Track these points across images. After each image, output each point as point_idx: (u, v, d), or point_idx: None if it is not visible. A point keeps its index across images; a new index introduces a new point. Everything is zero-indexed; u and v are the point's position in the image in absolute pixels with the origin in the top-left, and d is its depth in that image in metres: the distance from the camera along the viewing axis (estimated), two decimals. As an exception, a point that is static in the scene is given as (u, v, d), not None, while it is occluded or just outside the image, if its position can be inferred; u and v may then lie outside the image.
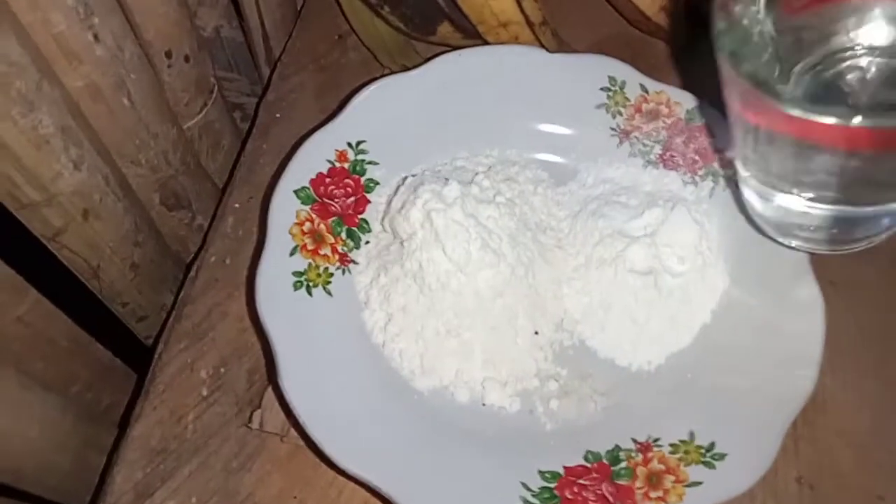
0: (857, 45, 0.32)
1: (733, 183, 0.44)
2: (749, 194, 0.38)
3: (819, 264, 0.45)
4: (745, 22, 0.31)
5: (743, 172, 0.38)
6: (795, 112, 0.28)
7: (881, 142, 0.28)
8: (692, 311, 0.41)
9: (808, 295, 0.39)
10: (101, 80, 0.38)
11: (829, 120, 0.27)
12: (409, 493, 0.34)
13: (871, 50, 0.32)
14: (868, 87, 0.33)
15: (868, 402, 0.41)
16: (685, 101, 0.45)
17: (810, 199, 0.34)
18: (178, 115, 0.48)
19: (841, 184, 0.32)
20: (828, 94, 0.33)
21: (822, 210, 0.35)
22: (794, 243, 0.39)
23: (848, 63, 0.32)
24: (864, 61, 0.32)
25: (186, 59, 0.46)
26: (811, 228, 0.37)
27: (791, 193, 0.35)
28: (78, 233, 0.41)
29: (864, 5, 0.32)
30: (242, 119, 0.63)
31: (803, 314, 0.39)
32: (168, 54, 0.44)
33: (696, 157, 0.45)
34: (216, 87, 0.51)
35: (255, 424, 0.40)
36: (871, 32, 0.32)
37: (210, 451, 0.41)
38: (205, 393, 0.43)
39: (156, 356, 0.44)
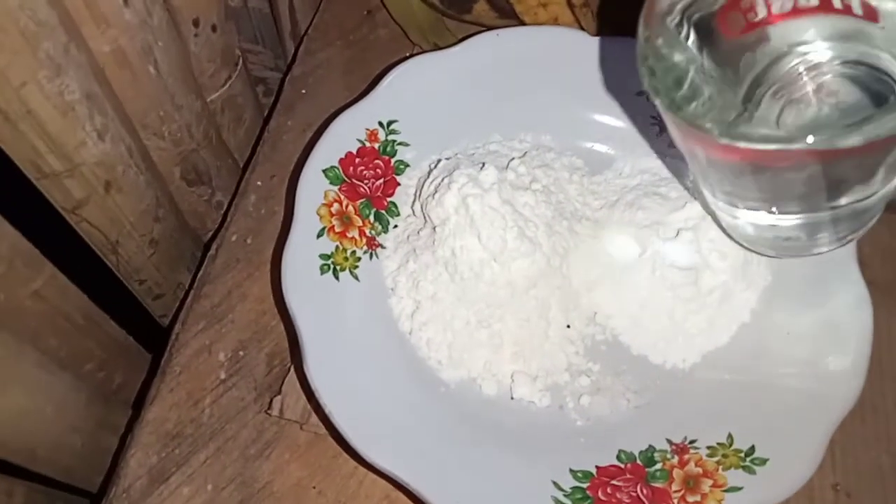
0: (807, 61, 0.31)
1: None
2: (716, 207, 0.37)
3: (860, 264, 0.43)
4: (677, 59, 0.30)
5: (704, 189, 0.37)
6: (741, 144, 0.27)
7: (831, 155, 0.27)
8: (732, 310, 0.39)
9: (855, 295, 0.38)
10: (128, 46, 0.36)
11: (774, 147, 0.27)
12: (434, 487, 0.33)
13: (819, 65, 0.31)
14: (821, 104, 0.32)
15: (909, 411, 0.40)
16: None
17: (773, 213, 0.34)
18: (203, 86, 0.46)
19: (800, 194, 0.32)
20: (792, 113, 0.31)
21: (789, 220, 0.34)
22: (770, 253, 0.38)
23: (804, 80, 0.31)
24: (813, 77, 0.31)
25: (213, 28, 0.44)
26: (782, 238, 0.36)
27: (754, 209, 0.34)
28: (99, 206, 0.39)
29: (810, 21, 0.31)
30: (265, 94, 0.62)
31: (849, 315, 0.37)
32: (195, 22, 0.42)
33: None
34: (241, 60, 0.50)
35: (274, 411, 0.39)
36: (819, 47, 0.31)
37: (227, 436, 0.40)
38: (223, 376, 0.41)
39: (173, 336, 0.43)
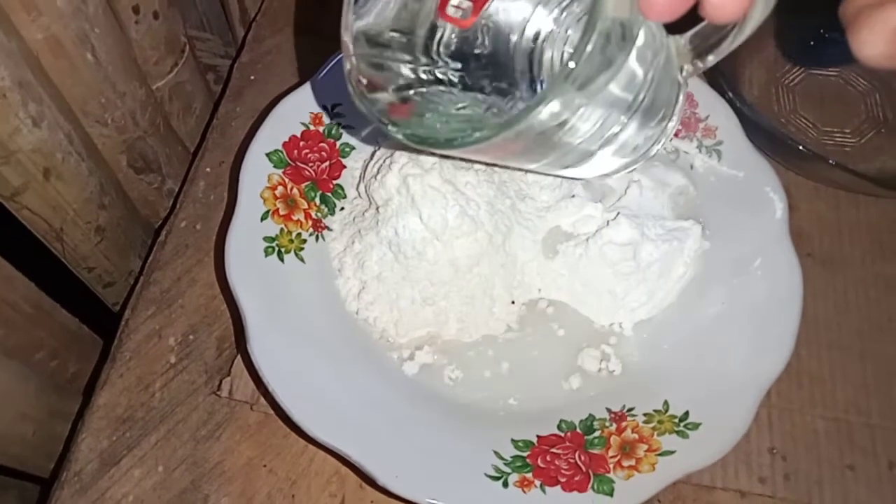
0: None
1: (715, 152, 0.43)
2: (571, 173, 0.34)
3: (798, 237, 0.45)
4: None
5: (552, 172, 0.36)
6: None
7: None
8: (669, 283, 0.40)
9: (786, 264, 0.39)
10: (62, 34, 0.36)
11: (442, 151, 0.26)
12: (379, 460, 0.34)
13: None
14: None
15: (843, 376, 0.41)
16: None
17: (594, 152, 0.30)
18: (147, 74, 0.46)
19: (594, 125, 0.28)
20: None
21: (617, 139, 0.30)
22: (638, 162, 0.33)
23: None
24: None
25: (155, 15, 0.44)
26: (631, 149, 0.31)
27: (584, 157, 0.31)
28: (39, 193, 0.39)
29: None
30: (216, 81, 0.62)
31: (781, 283, 0.39)
32: (136, 9, 0.42)
33: (679, 127, 0.44)
34: (187, 47, 0.49)
35: (224, 392, 0.40)
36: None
37: (178, 419, 0.40)
38: (173, 360, 0.42)
39: (122, 322, 0.43)
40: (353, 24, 0.29)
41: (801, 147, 0.42)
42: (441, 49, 0.31)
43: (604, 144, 0.27)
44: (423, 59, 0.31)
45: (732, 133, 0.43)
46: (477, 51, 0.31)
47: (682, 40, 0.26)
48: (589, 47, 0.21)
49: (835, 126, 0.50)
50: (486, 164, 0.39)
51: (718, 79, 0.45)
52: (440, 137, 0.26)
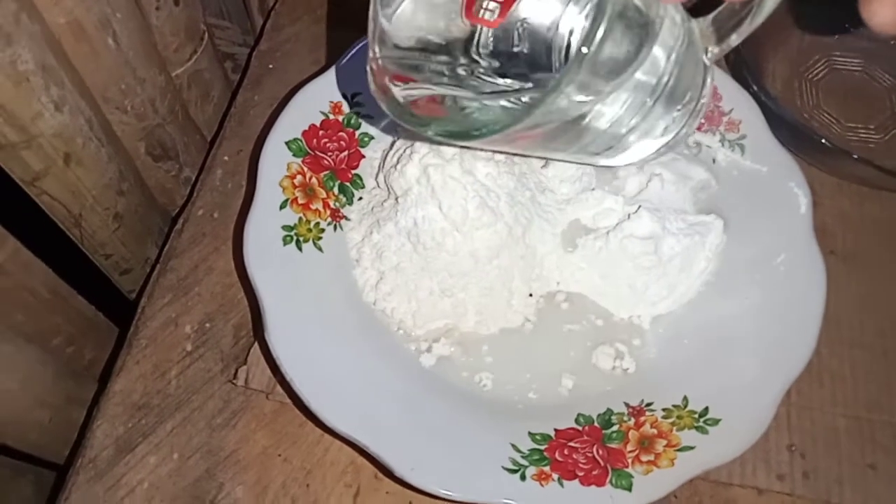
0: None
1: (739, 146, 0.43)
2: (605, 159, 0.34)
3: (821, 234, 0.44)
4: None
5: (584, 160, 0.36)
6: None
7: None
8: (691, 278, 0.40)
9: (810, 261, 0.38)
10: (84, 18, 0.36)
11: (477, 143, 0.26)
12: (395, 451, 0.33)
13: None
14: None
15: (864, 374, 0.41)
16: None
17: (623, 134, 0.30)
18: (167, 60, 0.46)
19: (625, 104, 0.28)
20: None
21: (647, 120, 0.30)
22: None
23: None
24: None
25: (176, 2, 0.44)
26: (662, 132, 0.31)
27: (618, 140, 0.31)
28: (59, 178, 0.39)
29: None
30: (234, 70, 0.61)
31: (804, 280, 0.38)
32: (156, -5, 0.42)
33: (702, 121, 0.44)
34: (206, 35, 0.49)
35: (240, 381, 0.40)
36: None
37: (193, 407, 0.40)
38: (189, 348, 0.42)
39: (139, 309, 0.43)
40: (381, 26, 0.29)
41: (825, 142, 0.42)
42: (480, 49, 0.31)
43: (631, 130, 0.27)
44: (462, 59, 0.31)
45: (756, 127, 0.43)
46: (516, 48, 0.31)
47: (705, 23, 0.26)
48: (600, 32, 0.21)
49: (858, 122, 0.49)
50: (512, 154, 0.39)
51: (742, 72, 0.44)
52: (467, 130, 0.26)
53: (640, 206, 0.40)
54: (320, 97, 0.42)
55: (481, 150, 0.37)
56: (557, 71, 0.30)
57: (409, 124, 0.28)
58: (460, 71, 0.31)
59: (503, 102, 0.29)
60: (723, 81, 0.44)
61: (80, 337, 0.47)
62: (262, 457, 0.39)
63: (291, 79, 0.50)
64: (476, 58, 0.31)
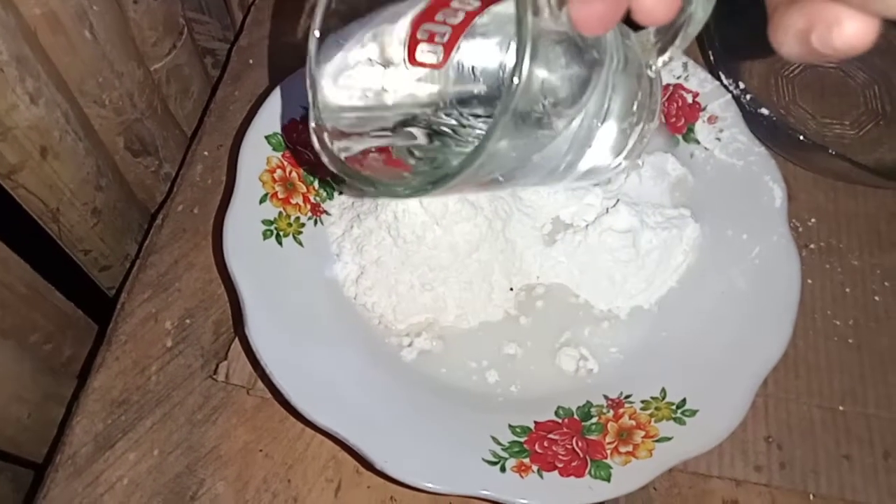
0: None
1: (716, 141, 0.43)
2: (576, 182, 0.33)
3: (798, 228, 0.45)
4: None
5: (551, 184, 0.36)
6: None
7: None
8: (668, 271, 0.40)
9: (785, 253, 0.39)
10: (60, 9, 0.35)
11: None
12: (376, 444, 0.33)
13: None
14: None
15: (840, 366, 0.41)
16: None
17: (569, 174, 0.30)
18: (145, 55, 0.46)
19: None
20: None
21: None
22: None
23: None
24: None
25: (154, -5, 0.44)
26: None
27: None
28: (35, 171, 0.39)
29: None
30: (214, 66, 0.61)
31: (779, 273, 0.39)
32: (134, -11, 0.42)
33: (680, 116, 0.44)
34: (186, 29, 0.49)
35: (220, 376, 0.39)
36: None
37: (174, 402, 0.40)
38: (169, 344, 0.41)
39: (119, 305, 0.43)
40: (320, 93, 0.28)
41: (801, 137, 0.42)
42: (441, 98, 0.30)
43: (585, 151, 0.27)
44: (420, 110, 0.30)
45: (732, 122, 0.43)
46: (475, 90, 0.31)
47: (645, 36, 0.26)
48: (526, 62, 0.20)
49: (834, 117, 0.50)
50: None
51: (720, 69, 0.45)
52: (434, 179, 0.24)
53: (618, 201, 0.41)
54: (300, 92, 0.42)
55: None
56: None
57: (359, 182, 0.26)
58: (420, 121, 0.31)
59: (457, 148, 0.29)
60: (700, 78, 0.44)
61: (58, 334, 0.46)
62: (242, 452, 0.39)
63: (271, 74, 0.50)
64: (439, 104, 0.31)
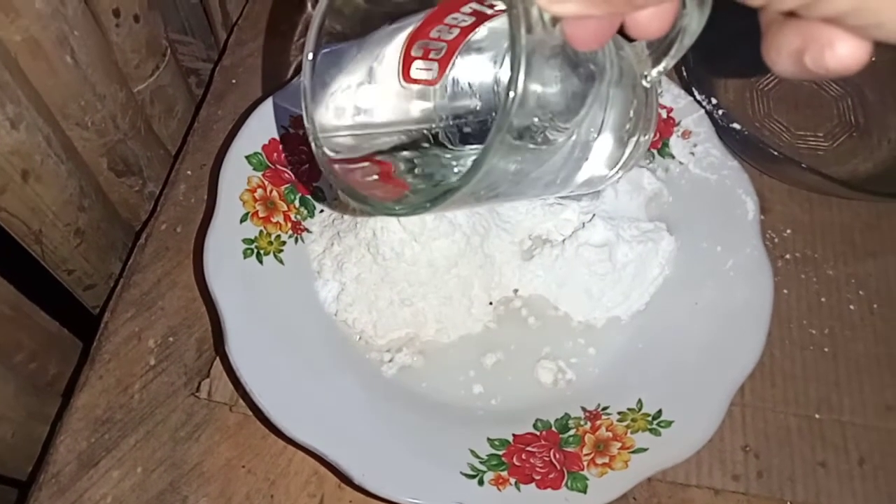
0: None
1: (690, 156, 0.44)
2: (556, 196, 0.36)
3: (773, 238, 0.45)
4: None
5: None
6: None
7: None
8: (644, 283, 0.41)
9: (758, 265, 0.39)
10: (41, 35, 0.36)
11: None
12: (355, 459, 0.34)
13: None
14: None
15: (815, 374, 0.42)
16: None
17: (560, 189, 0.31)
18: (128, 77, 0.46)
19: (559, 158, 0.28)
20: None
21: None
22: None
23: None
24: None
25: (136, 18, 0.44)
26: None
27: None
28: (17, 194, 0.39)
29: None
30: (198, 85, 0.62)
31: (753, 284, 0.39)
32: (116, 12, 0.42)
33: (656, 132, 0.45)
34: (169, 51, 0.50)
35: (203, 394, 0.40)
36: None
37: (157, 420, 0.40)
38: (152, 362, 0.42)
39: (102, 324, 0.43)
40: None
41: (774, 151, 0.43)
42: (439, 113, 0.31)
43: (582, 164, 0.27)
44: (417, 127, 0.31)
45: (706, 137, 0.44)
46: (471, 106, 0.31)
47: (639, 47, 0.27)
48: (521, 78, 0.20)
49: (808, 130, 0.51)
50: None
51: (694, 83, 0.46)
52: (435, 195, 0.24)
53: (594, 215, 0.42)
54: (281, 111, 0.43)
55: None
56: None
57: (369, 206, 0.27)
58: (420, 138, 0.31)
59: (455, 165, 0.30)
60: (675, 93, 0.45)
61: (43, 353, 0.46)
62: (225, 469, 0.39)
63: (254, 93, 0.50)
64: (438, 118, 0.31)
